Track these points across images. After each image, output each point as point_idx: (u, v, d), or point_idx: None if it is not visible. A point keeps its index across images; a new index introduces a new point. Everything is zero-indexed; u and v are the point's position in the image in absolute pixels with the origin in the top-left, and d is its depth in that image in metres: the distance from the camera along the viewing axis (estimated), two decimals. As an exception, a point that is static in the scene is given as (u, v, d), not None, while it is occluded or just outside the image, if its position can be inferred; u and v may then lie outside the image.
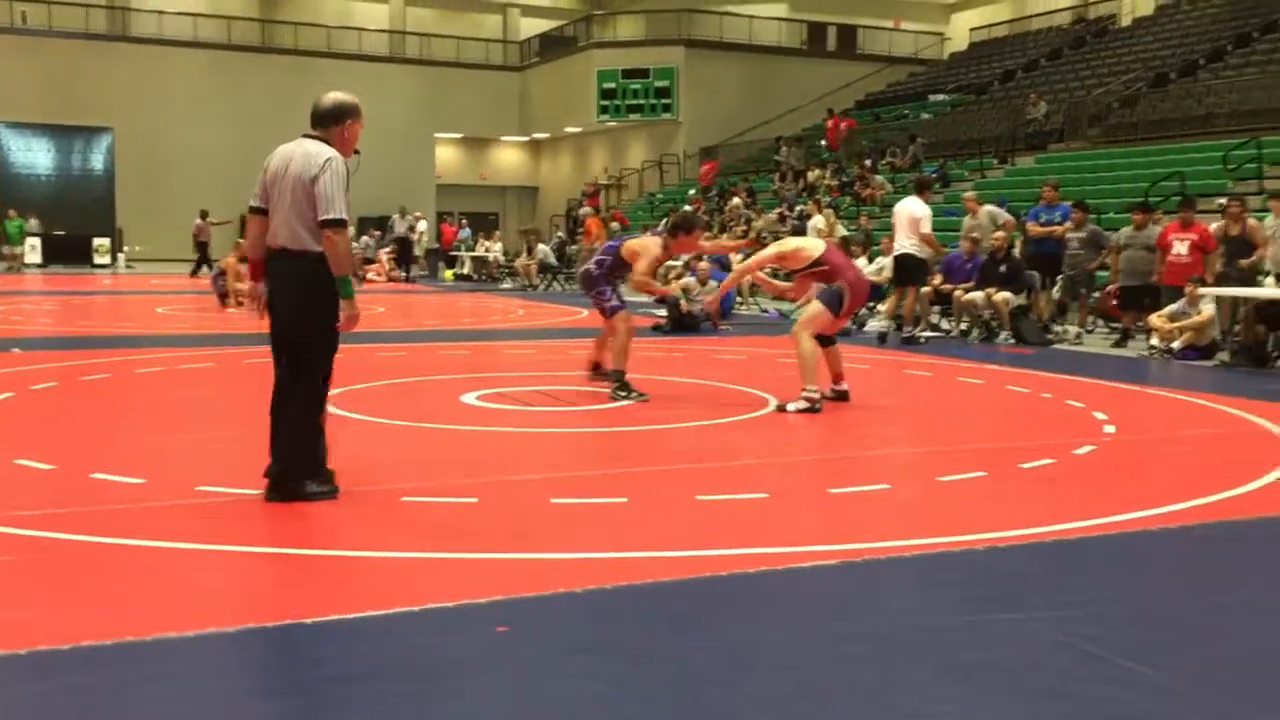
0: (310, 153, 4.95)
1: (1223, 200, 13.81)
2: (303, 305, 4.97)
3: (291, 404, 5.03)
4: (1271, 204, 11.93)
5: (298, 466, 5.03)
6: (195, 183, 35.79)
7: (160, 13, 37.26)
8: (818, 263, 8.18)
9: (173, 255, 33.84)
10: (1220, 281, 12.09)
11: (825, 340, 8.29)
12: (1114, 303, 13.62)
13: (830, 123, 31.10)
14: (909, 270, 12.94)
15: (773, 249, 8.57)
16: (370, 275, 27.67)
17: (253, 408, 8.06)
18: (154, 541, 4.38)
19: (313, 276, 4.93)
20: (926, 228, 12.62)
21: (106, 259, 32.45)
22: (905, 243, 12.78)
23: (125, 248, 33.57)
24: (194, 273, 27.34)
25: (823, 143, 31.17)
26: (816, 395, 7.90)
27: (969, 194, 16.00)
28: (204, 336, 13.32)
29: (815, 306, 8.16)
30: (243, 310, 17.02)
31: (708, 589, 3.95)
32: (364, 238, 31.76)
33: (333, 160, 4.92)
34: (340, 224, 4.88)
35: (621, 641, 3.48)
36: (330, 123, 5.07)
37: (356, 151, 5.16)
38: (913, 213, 12.68)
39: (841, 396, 8.35)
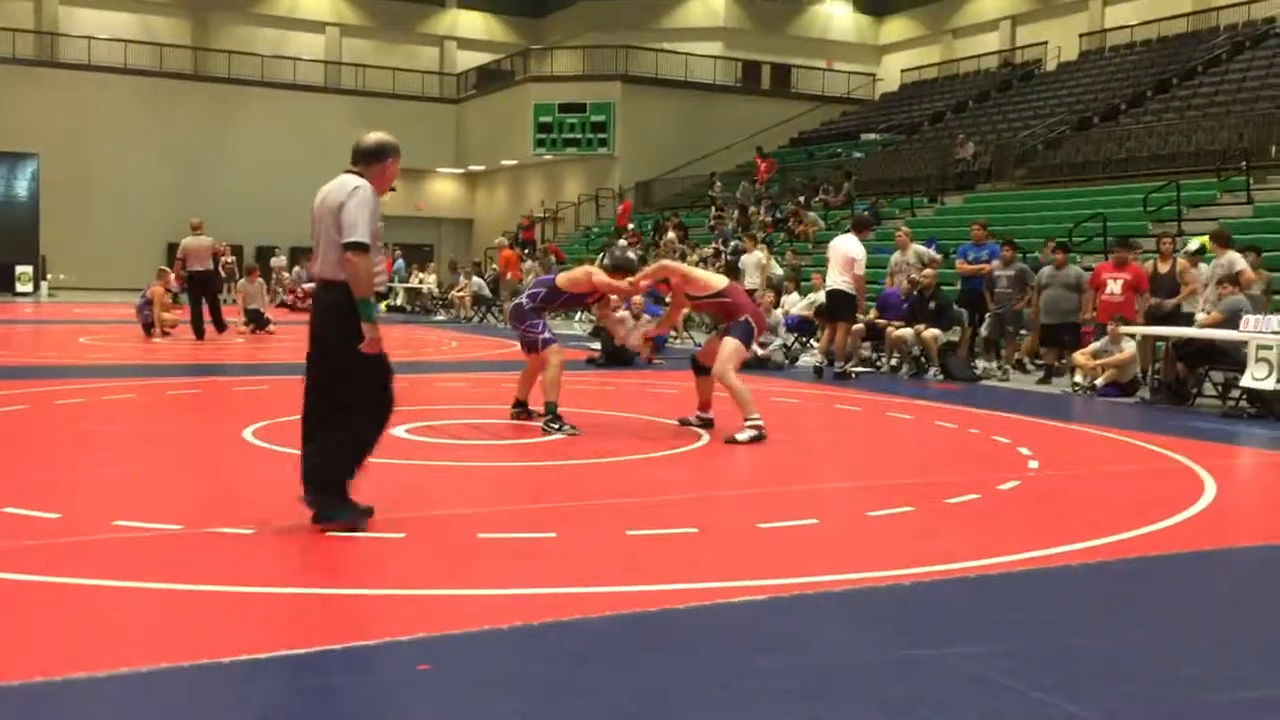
0: (342, 183, 5.12)
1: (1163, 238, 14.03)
2: (332, 333, 5.08)
3: (325, 429, 5.08)
4: (1212, 246, 12.23)
5: (325, 482, 5.05)
6: (122, 211, 35.24)
7: (90, 38, 36.73)
8: (720, 294, 8.45)
9: (97, 284, 33.22)
10: (1147, 320, 12.37)
11: (701, 369, 8.63)
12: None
13: (760, 161, 31.50)
14: (840, 306, 13.05)
15: (681, 267, 9.02)
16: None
17: (174, 440, 7.92)
18: (68, 578, 4.26)
19: (343, 304, 5.03)
20: (860, 269, 12.76)
21: (29, 287, 31.73)
22: (838, 279, 12.88)
23: (48, 276, 32.86)
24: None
25: (753, 182, 31.44)
26: (761, 422, 8.03)
27: (903, 229, 16.22)
28: (127, 367, 13.04)
29: (731, 344, 8.33)
30: (168, 340, 16.73)
31: (635, 625, 3.92)
32: (296, 268, 31.45)
33: (361, 188, 5.06)
34: (360, 247, 4.97)
35: (547, 678, 3.44)
36: (372, 160, 5.22)
37: (392, 189, 5.34)
38: (849, 252, 12.78)
39: (707, 424, 8.63)
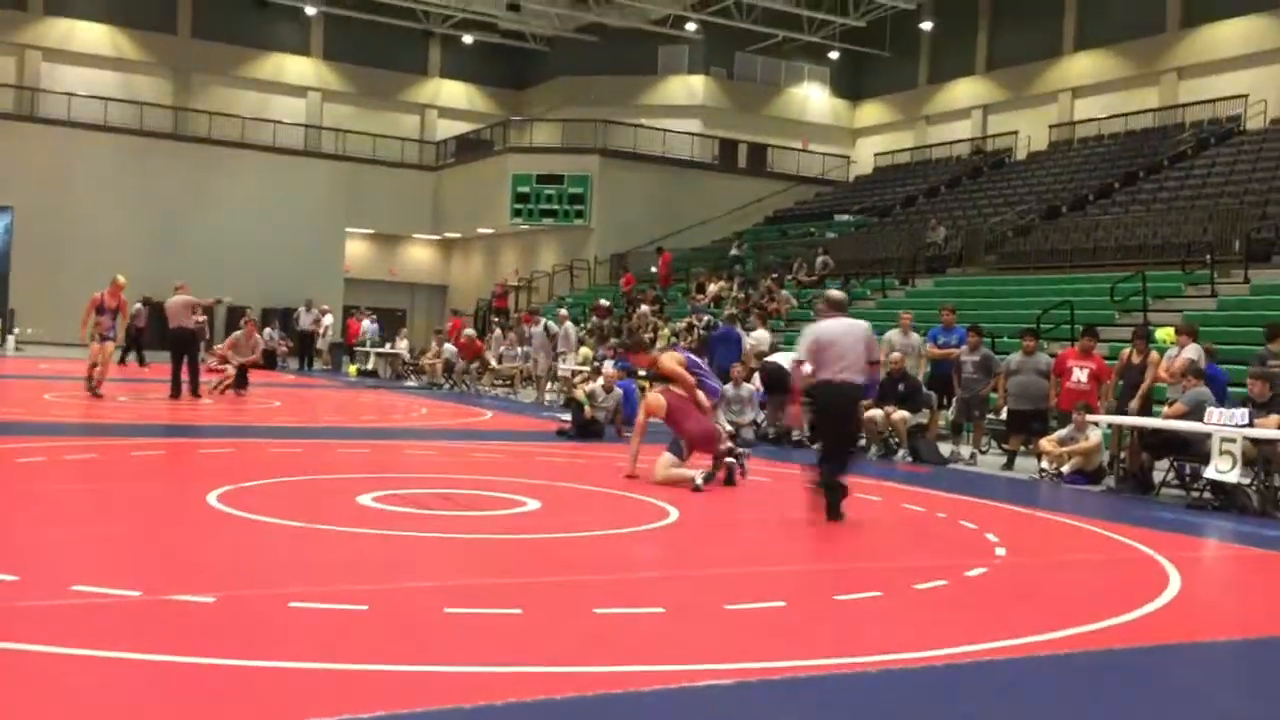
0: (857, 324, 8.58)
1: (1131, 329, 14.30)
2: (855, 414, 8.83)
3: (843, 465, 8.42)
4: (1180, 338, 12.36)
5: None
6: (94, 266, 34.88)
7: (70, 95, 36.83)
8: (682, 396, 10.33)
9: (67, 339, 32.89)
10: (1119, 411, 12.46)
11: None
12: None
13: (663, 260, 31.54)
14: (781, 380, 14.40)
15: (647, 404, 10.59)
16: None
17: (136, 503, 7.81)
18: (24, 645, 4.18)
19: (859, 394, 8.61)
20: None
21: (-6, 340, 31.42)
22: (781, 358, 14.47)
23: (16, 329, 32.55)
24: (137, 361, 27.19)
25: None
26: (700, 478, 9.62)
27: (905, 314, 16.26)
28: (90, 426, 12.91)
29: (665, 457, 9.99)
30: (104, 399, 16.21)
31: (601, 707, 3.88)
32: (267, 329, 31.33)
33: (868, 328, 8.63)
34: (879, 363, 9.10)
35: (509, 762, 3.39)
36: (848, 306, 9.01)
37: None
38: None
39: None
